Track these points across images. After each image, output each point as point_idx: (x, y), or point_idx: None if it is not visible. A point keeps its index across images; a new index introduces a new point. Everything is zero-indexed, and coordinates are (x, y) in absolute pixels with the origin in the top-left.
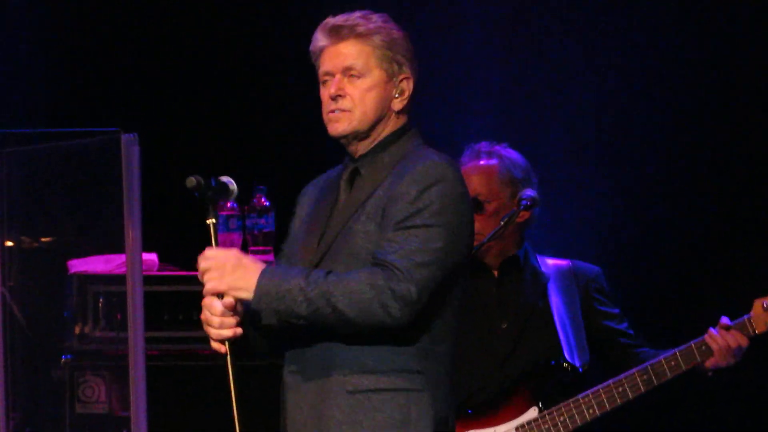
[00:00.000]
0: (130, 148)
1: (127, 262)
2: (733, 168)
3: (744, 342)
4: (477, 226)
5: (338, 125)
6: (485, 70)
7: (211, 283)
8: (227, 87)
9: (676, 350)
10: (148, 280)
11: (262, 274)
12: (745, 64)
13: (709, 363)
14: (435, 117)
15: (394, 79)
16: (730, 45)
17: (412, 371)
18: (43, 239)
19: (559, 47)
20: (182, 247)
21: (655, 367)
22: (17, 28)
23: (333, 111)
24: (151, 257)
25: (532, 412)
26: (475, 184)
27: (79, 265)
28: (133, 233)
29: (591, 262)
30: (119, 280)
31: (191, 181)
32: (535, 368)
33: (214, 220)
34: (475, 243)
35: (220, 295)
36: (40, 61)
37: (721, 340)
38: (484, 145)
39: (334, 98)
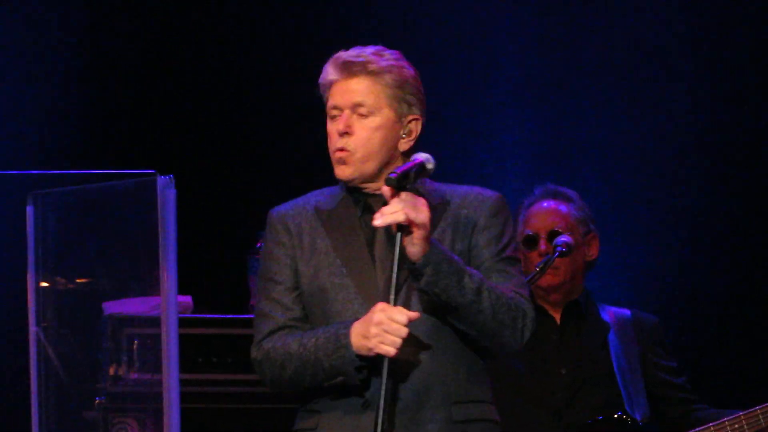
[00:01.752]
0: (165, 190)
1: (162, 305)
2: None
3: None
4: (556, 262)
5: (345, 169)
6: (520, 111)
7: (415, 211)
8: (265, 129)
9: (742, 414)
10: (182, 322)
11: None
12: None
13: None
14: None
15: (403, 119)
16: None
17: (491, 402)
18: (78, 280)
19: (594, 80)
20: (216, 290)
21: (717, 429)
22: (53, 67)
23: (340, 149)
24: (186, 300)
25: None
26: (551, 222)
27: (114, 307)
28: (168, 275)
29: (649, 311)
30: (154, 322)
31: (390, 180)
32: (594, 420)
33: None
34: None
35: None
36: (75, 101)
37: None
38: (550, 187)
39: (342, 135)
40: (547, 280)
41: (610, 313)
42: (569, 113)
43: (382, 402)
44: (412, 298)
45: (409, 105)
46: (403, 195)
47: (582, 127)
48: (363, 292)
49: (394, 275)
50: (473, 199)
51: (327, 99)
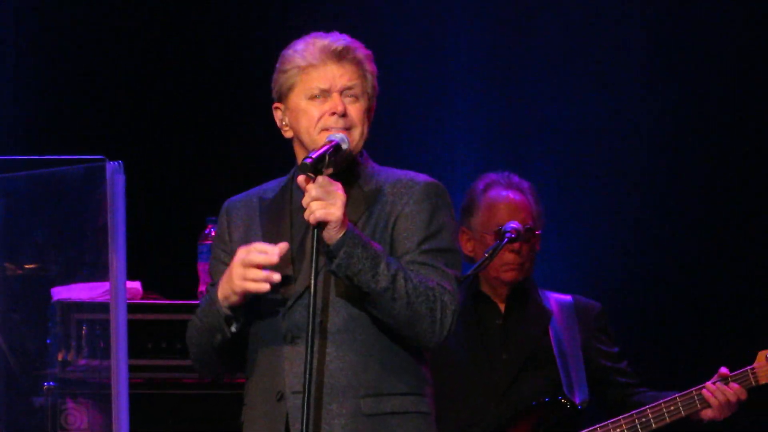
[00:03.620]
0: (115, 176)
1: (110, 290)
2: (751, 208)
3: (743, 395)
4: (524, 257)
5: (352, 145)
6: (470, 96)
7: (326, 209)
8: (214, 116)
9: (677, 395)
10: (131, 308)
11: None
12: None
13: (705, 414)
14: (420, 143)
15: (371, 107)
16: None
17: (420, 394)
18: (27, 266)
19: (545, 65)
20: (166, 275)
21: (654, 411)
22: (3, 55)
23: (343, 129)
24: (134, 285)
25: None
26: (516, 216)
27: (62, 293)
28: (117, 261)
29: (592, 296)
30: (103, 307)
31: (306, 166)
32: (534, 403)
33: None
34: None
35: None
36: (23, 86)
37: (721, 395)
38: (514, 177)
39: (342, 115)
40: (511, 275)
41: (552, 299)
42: (519, 98)
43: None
44: (332, 286)
45: (375, 96)
46: (319, 180)
47: (531, 112)
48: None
49: (314, 265)
50: (403, 185)
51: (299, 81)
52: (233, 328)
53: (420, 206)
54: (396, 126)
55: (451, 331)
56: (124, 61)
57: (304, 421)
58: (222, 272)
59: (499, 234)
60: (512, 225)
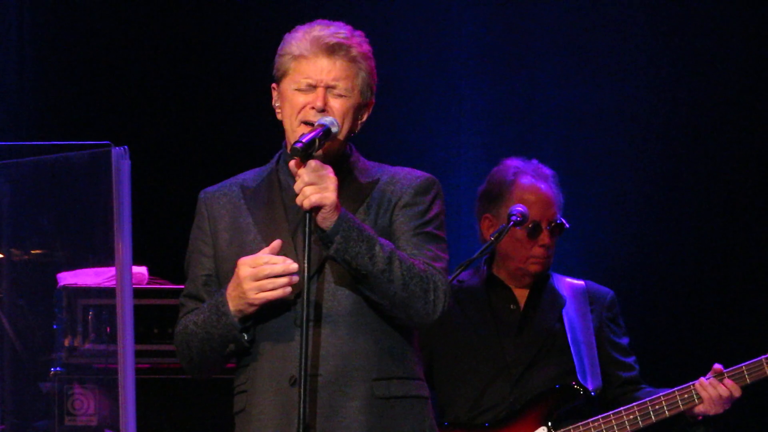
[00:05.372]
0: (120, 161)
1: (116, 276)
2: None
3: (736, 392)
4: (551, 249)
5: (340, 130)
6: (478, 81)
7: (321, 194)
8: (219, 101)
9: (675, 389)
10: (137, 293)
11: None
12: None
13: (697, 409)
14: (427, 129)
15: (365, 103)
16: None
17: (420, 379)
18: (33, 251)
19: (554, 58)
20: (172, 260)
21: (654, 403)
22: (6, 40)
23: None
24: (140, 270)
25: None
26: (543, 209)
27: (68, 278)
28: (123, 246)
29: (603, 282)
30: (109, 293)
31: (296, 150)
32: (548, 389)
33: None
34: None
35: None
36: (31, 74)
37: (712, 389)
38: (542, 168)
39: (320, 111)
40: (537, 268)
41: (565, 284)
42: (526, 84)
43: (303, 350)
44: (332, 273)
45: (372, 92)
46: (311, 164)
47: (539, 97)
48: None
49: (307, 250)
50: (401, 177)
51: (291, 69)
52: (248, 337)
53: (419, 198)
54: (402, 112)
55: (444, 312)
56: (129, 46)
57: (301, 407)
58: (202, 264)
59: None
60: (517, 209)
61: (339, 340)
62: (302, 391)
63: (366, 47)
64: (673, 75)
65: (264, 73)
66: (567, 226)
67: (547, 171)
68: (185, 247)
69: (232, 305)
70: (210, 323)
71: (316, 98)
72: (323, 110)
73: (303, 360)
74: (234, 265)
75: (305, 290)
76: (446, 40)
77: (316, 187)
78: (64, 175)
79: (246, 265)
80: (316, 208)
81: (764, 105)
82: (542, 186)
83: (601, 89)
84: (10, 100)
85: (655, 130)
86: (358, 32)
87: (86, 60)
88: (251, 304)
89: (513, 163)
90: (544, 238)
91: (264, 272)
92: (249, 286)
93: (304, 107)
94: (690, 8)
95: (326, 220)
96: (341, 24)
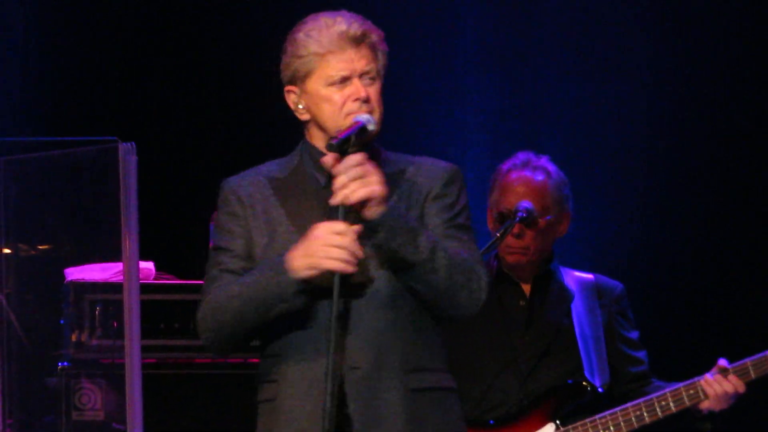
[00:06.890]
0: (127, 157)
1: (123, 271)
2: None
3: (741, 388)
4: (527, 240)
5: (376, 126)
6: (483, 76)
7: (369, 187)
8: (225, 97)
9: (681, 385)
10: (144, 288)
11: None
12: None
13: (702, 405)
14: (432, 124)
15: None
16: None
17: (448, 371)
18: (40, 247)
19: (560, 55)
20: (179, 255)
21: (660, 399)
22: (14, 36)
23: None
24: (147, 266)
25: (549, 429)
26: (528, 199)
27: (75, 273)
28: (130, 242)
29: (612, 275)
30: (116, 288)
31: (332, 146)
32: (555, 386)
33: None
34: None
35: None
36: (37, 69)
37: (718, 386)
38: (532, 158)
39: (365, 101)
40: (513, 258)
41: (573, 278)
42: (531, 79)
43: (332, 339)
44: (371, 264)
45: (385, 74)
46: (354, 158)
47: (544, 93)
48: None
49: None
50: (428, 168)
51: (318, 68)
52: (302, 299)
53: (448, 189)
54: (407, 107)
55: (484, 302)
56: (136, 42)
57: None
58: (236, 243)
59: (500, 217)
60: (523, 204)
61: (376, 332)
62: (330, 380)
63: (379, 34)
64: (679, 69)
65: (271, 70)
66: (547, 218)
67: (541, 163)
68: (192, 243)
69: (296, 264)
70: (261, 282)
71: (357, 90)
72: (367, 100)
73: (331, 351)
74: (262, 255)
75: (336, 283)
76: (451, 38)
77: (362, 180)
78: (71, 170)
79: (324, 227)
80: (363, 202)
81: None
82: (518, 175)
83: (607, 85)
84: (17, 97)
85: (661, 125)
86: (370, 22)
87: (93, 56)
88: (312, 267)
89: (516, 155)
90: (515, 228)
91: (337, 240)
92: (321, 243)
93: (345, 101)
94: (694, 5)
95: (374, 212)
96: (345, 12)
